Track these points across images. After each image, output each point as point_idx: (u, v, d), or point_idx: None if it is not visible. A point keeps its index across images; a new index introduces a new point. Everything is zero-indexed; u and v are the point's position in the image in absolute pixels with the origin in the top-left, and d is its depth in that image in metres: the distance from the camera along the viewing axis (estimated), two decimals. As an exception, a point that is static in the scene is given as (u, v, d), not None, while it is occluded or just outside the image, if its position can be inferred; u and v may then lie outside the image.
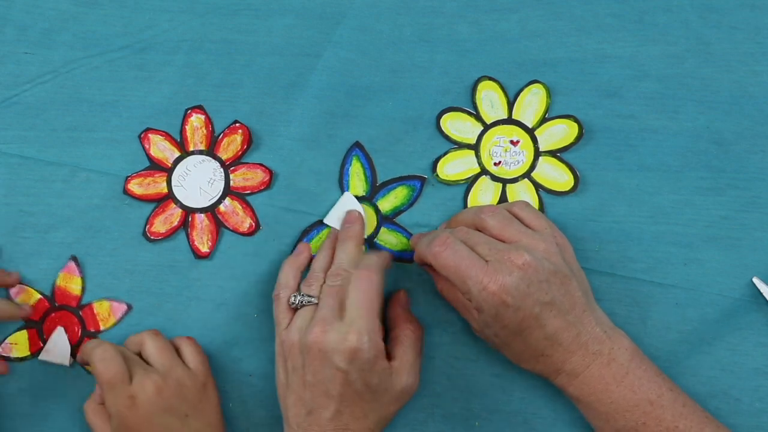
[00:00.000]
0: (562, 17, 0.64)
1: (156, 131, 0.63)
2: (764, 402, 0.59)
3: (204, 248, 0.62)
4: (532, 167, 0.62)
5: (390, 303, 0.60)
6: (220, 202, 0.63)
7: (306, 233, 0.62)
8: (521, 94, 0.63)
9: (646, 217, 0.61)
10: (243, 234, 0.63)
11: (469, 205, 0.62)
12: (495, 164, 0.63)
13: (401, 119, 0.63)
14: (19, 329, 0.62)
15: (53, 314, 0.62)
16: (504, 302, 0.52)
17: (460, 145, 0.63)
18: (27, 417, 0.61)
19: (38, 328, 0.62)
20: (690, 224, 0.61)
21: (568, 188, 0.62)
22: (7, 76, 0.64)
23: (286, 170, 0.63)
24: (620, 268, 0.61)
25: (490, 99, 0.63)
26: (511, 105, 0.63)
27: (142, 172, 0.63)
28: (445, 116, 0.63)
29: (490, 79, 0.63)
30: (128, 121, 0.63)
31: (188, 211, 0.63)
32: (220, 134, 0.63)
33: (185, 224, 0.63)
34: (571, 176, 0.62)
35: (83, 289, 0.62)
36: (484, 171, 0.63)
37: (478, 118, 0.63)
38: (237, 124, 0.63)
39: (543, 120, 0.62)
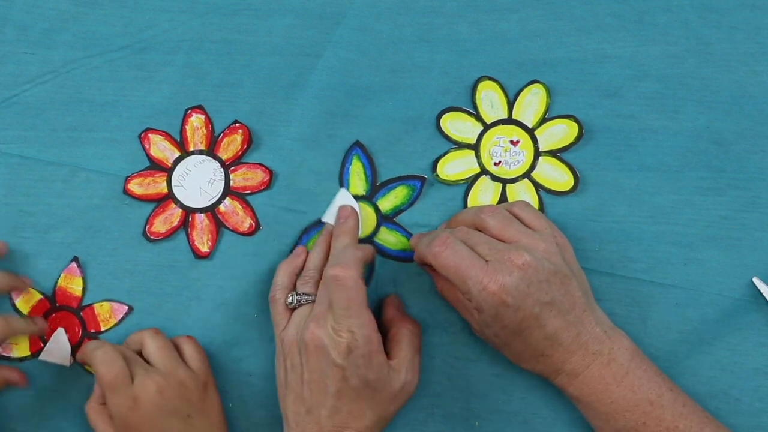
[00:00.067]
0: (562, 17, 0.64)
1: (156, 131, 0.63)
2: (764, 402, 0.59)
3: (204, 248, 0.62)
4: (532, 167, 0.62)
5: (383, 307, 0.60)
6: (220, 202, 0.63)
7: (305, 232, 0.62)
8: (521, 94, 0.63)
9: (646, 217, 0.61)
10: (243, 234, 0.63)
11: (469, 205, 0.62)
12: (495, 164, 0.63)
13: (401, 119, 0.63)
14: (19, 329, 0.62)
15: (54, 315, 0.62)
16: (504, 302, 0.52)
17: (460, 145, 0.63)
18: (27, 416, 0.61)
19: (38, 328, 0.62)
20: (690, 224, 0.61)
21: (568, 188, 0.62)
22: (7, 76, 0.64)
23: (286, 170, 0.63)
24: (620, 268, 0.61)
25: (490, 99, 0.63)
26: (511, 105, 0.63)
27: (142, 172, 0.63)
28: (445, 116, 0.63)
29: (490, 79, 0.63)
30: (128, 121, 0.63)
31: (188, 211, 0.63)
32: (220, 134, 0.63)
33: (185, 224, 0.63)
34: (571, 176, 0.62)
35: (84, 290, 0.62)
36: (484, 171, 0.63)
37: (478, 118, 0.63)
38: (237, 124, 0.63)
39: (543, 120, 0.63)
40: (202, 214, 0.63)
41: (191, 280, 0.62)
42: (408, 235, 0.62)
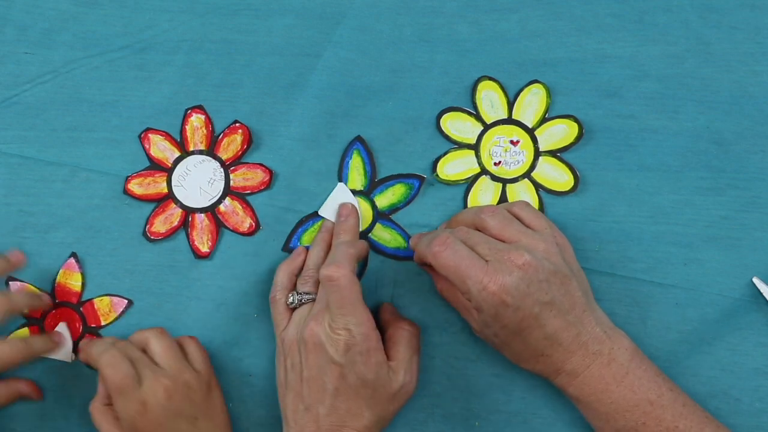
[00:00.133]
0: (562, 17, 0.64)
1: (156, 131, 0.63)
2: (764, 402, 0.59)
3: (204, 248, 0.62)
4: (532, 167, 0.62)
5: (379, 312, 0.60)
6: (220, 202, 0.63)
7: (301, 224, 0.62)
8: (521, 94, 0.63)
9: (646, 217, 0.61)
10: (243, 234, 0.63)
11: (469, 205, 0.62)
12: (495, 164, 0.63)
13: (401, 119, 0.63)
14: (20, 326, 0.62)
15: (54, 311, 0.62)
16: (504, 302, 0.52)
17: (460, 145, 0.63)
18: (27, 416, 0.61)
19: (39, 324, 0.62)
20: (690, 224, 0.61)
21: (568, 188, 0.62)
22: (7, 76, 0.64)
23: (286, 170, 0.63)
24: (620, 268, 0.61)
25: (490, 99, 0.63)
26: (511, 105, 0.63)
27: (142, 172, 0.63)
28: (445, 116, 0.63)
29: (490, 79, 0.63)
30: (128, 121, 0.63)
31: (188, 211, 0.63)
32: (220, 134, 0.63)
33: (185, 224, 0.63)
34: (571, 176, 0.62)
35: (83, 285, 0.62)
36: (484, 171, 0.63)
37: (478, 118, 0.63)
38: (237, 124, 0.63)
39: (543, 120, 0.63)
40: (202, 214, 0.63)
41: (191, 280, 0.62)
42: (403, 233, 0.62)
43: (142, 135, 0.63)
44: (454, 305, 0.58)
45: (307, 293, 0.58)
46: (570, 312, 0.54)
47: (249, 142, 0.63)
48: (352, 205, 0.61)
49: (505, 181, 0.62)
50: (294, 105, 0.64)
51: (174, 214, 0.63)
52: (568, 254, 0.57)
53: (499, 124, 0.63)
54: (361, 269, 0.61)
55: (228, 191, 0.63)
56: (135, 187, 0.63)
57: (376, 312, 0.60)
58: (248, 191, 0.63)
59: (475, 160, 0.63)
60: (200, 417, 0.56)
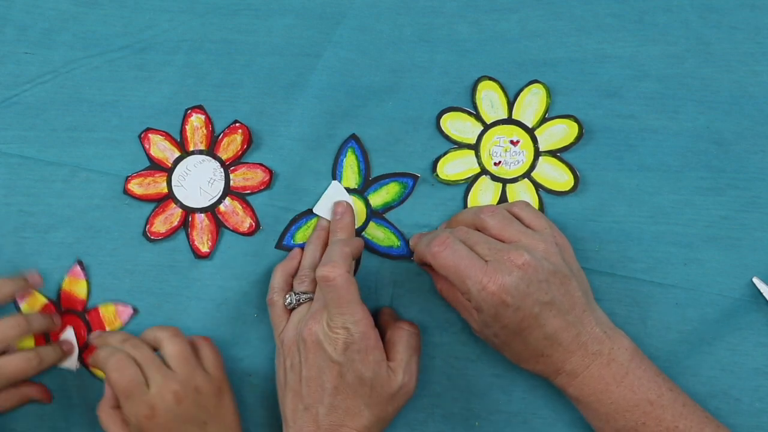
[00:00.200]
0: (562, 17, 0.64)
1: (156, 131, 0.63)
2: (764, 402, 0.59)
3: (204, 248, 0.62)
4: (532, 167, 0.62)
5: (379, 316, 0.60)
6: (220, 202, 0.63)
7: (294, 222, 0.62)
8: (521, 94, 0.63)
9: (646, 217, 0.61)
10: (243, 234, 0.63)
11: (469, 205, 0.62)
12: (495, 164, 0.63)
13: (401, 119, 0.63)
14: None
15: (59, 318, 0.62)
16: (503, 302, 0.52)
17: (460, 145, 0.63)
18: (27, 417, 0.61)
19: (45, 334, 0.61)
20: (690, 224, 0.61)
21: (568, 188, 0.62)
22: (7, 76, 0.64)
23: (286, 170, 0.63)
24: (620, 268, 0.61)
25: (490, 99, 0.63)
26: (511, 105, 0.63)
27: (142, 172, 0.63)
28: (445, 116, 0.63)
29: (490, 79, 0.63)
30: (128, 121, 0.63)
31: (188, 211, 0.63)
32: (220, 134, 0.63)
33: (185, 224, 0.63)
34: (571, 176, 0.62)
35: (89, 293, 0.62)
36: (484, 171, 0.63)
37: (478, 118, 0.63)
38: (237, 124, 0.63)
39: (543, 120, 0.63)
40: (202, 214, 0.63)
41: (191, 280, 0.62)
42: (396, 231, 0.62)
43: (142, 135, 0.63)
44: (453, 305, 0.59)
45: (304, 293, 0.58)
46: (570, 312, 0.54)
47: (249, 142, 0.63)
48: (347, 203, 0.61)
49: (505, 181, 0.62)
50: (294, 105, 0.64)
51: (174, 214, 0.63)
52: (568, 254, 0.57)
53: (499, 124, 0.63)
54: (355, 267, 0.61)
55: (228, 191, 0.63)
56: (135, 187, 0.63)
57: (375, 316, 0.60)
58: (248, 191, 0.63)
59: (475, 160, 0.63)
60: (210, 422, 0.56)
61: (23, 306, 0.62)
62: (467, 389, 0.61)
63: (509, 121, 0.63)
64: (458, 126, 0.63)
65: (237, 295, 0.62)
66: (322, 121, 0.63)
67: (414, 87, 0.63)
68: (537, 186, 0.62)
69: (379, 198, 0.63)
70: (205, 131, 0.63)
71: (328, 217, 0.62)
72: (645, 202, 0.61)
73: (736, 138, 0.62)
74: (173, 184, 0.63)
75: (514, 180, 0.62)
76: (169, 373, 0.56)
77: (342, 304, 0.53)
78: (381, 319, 0.60)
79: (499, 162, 0.62)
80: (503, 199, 0.62)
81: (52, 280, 0.62)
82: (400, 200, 0.62)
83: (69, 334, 0.61)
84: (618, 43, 0.63)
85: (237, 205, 0.63)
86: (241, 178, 0.63)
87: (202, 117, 0.63)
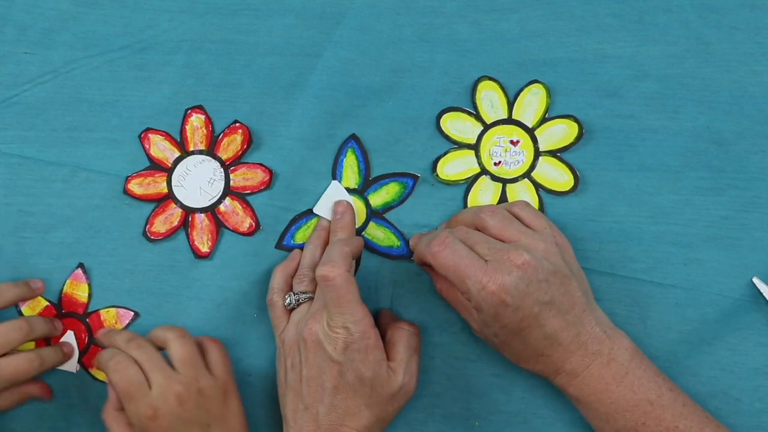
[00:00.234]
0: (562, 17, 0.64)
1: (156, 131, 0.63)
2: (764, 402, 0.59)
3: (204, 248, 0.62)
4: (532, 167, 0.62)
5: (379, 318, 0.60)
6: (220, 202, 0.63)
7: (294, 222, 0.62)
8: (521, 94, 0.63)
9: (646, 217, 0.61)
10: (243, 234, 0.63)
11: (469, 205, 0.62)
12: (495, 164, 0.63)
13: (401, 119, 0.63)
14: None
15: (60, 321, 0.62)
16: (503, 302, 0.52)
17: (460, 145, 0.63)
18: (27, 417, 0.61)
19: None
20: (690, 224, 0.61)
21: (568, 188, 0.62)
22: (7, 76, 0.64)
23: (286, 170, 0.63)
24: (620, 268, 0.61)
25: (490, 99, 0.63)
26: (511, 105, 0.63)
27: (142, 172, 0.63)
28: (445, 116, 0.63)
29: (490, 79, 0.63)
30: (128, 121, 0.63)
31: (188, 211, 0.63)
32: (220, 134, 0.63)
33: (185, 224, 0.63)
34: (571, 176, 0.62)
35: (90, 296, 0.62)
36: (484, 171, 0.63)
37: (478, 118, 0.63)
38: (237, 124, 0.63)
39: (543, 120, 0.62)
40: (202, 214, 0.63)
41: (191, 280, 0.62)
42: (396, 231, 0.62)
43: (142, 135, 0.63)
44: (453, 305, 0.58)
45: (303, 293, 0.58)
46: (569, 312, 0.54)
47: (249, 142, 0.63)
48: (348, 202, 0.61)
49: (505, 181, 0.62)
50: (294, 105, 0.64)
51: (174, 214, 0.63)
52: (568, 254, 0.57)
53: (499, 124, 0.63)
54: (355, 266, 0.61)
55: (228, 191, 0.63)
56: (135, 187, 0.63)
57: (375, 317, 0.60)
58: (248, 191, 0.63)
59: (475, 160, 0.63)
60: (213, 424, 0.56)
61: (24, 309, 0.62)
62: (467, 389, 0.61)
63: (509, 121, 0.63)
64: (458, 126, 0.63)
65: (237, 295, 0.62)
66: (322, 121, 0.63)
67: (414, 87, 0.63)
68: (537, 186, 0.62)
69: (379, 198, 0.63)
70: (205, 131, 0.63)
71: (329, 217, 0.62)
72: (645, 202, 0.61)
73: (736, 138, 0.62)
74: (173, 184, 0.63)
75: (514, 180, 0.62)
76: (173, 375, 0.55)
77: (342, 304, 0.53)
78: (381, 321, 0.60)
79: (499, 162, 0.62)
80: (503, 199, 0.62)
81: (52, 280, 0.62)
82: (400, 200, 0.62)
83: (69, 338, 0.61)
84: (618, 43, 0.63)
85: (237, 205, 0.63)
86: (241, 178, 0.63)
87: (202, 117, 0.63)
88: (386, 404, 0.55)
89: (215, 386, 0.56)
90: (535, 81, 0.63)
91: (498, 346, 0.57)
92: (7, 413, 0.61)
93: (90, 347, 0.62)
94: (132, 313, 0.62)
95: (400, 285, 0.62)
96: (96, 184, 0.63)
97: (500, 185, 0.62)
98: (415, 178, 0.62)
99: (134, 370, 0.55)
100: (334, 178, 0.63)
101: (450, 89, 0.63)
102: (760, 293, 0.60)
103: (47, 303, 0.62)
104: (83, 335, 0.62)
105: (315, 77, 0.64)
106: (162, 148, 0.63)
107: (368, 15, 0.64)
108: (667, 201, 0.61)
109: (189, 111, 0.63)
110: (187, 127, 0.63)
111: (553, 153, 0.62)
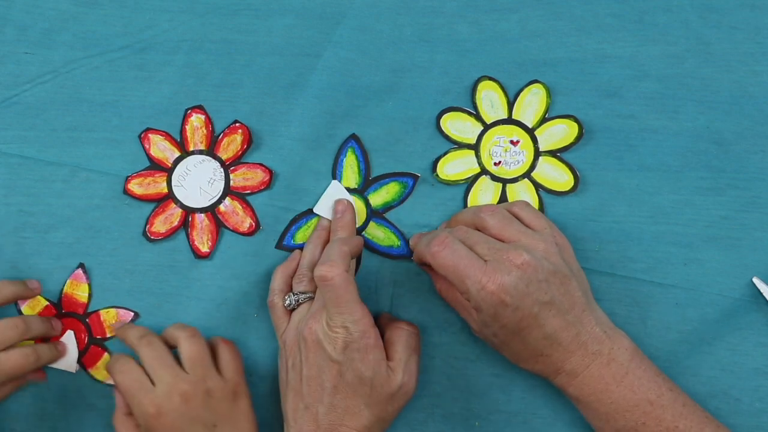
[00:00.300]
0: (562, 17, 0.64)
1: (156, 131, 0.63)
2: (764, 402, 0.59)
3: (204, 248, 0.62)
4: (532, 167, 0.62)
5: (379, 320, 0.60)
6: (220, 202, 0.63)
7: (294, 221, 0.62)
8: (521, 94, 0.63)
9: (646, 217, 0.61)
10: (243, 234, 0.63)
11: (469, 205, 0.62)
12: (495, 164, 0.63)
13: (401, 119, 0.63)
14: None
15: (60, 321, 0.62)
16: (503, 302, 0.52)
17: (460, 145, 0.63)
18: (27, 416, 0.61)
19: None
20: (690, 224, 0.61)
21: (568, 188, 0.62)
22: (7, 76, 0.64)
23: (286, 170, 0.63)
24: (620, 268, 0.61)
25: (490, 99, 0.63)
26: (511, 105, 0.63)
27: (142, 172, 0.63)
28: (445, 116, 0.63)
29: (490, 79, 0.63)
30: (128, 121, 0.63)
31: (188, 211, 0.63)
32: (220, 134, 0.63)
33: (185, 224, 0.63)
34: (571, 176, 0.62)
35: (90, 296, 0.62)
36: (484, 171, 0.63)
37: (478, 118, 0.63)
38: (237, 124, 0.63)
39: (543, 120, 0.62)
40: (202, 214, 0.63)
41: (191, 280, 0.62)
42: (396, 231, 0.62)
43: (142, 135, 0.63)
44: (453, 305, 0.59)
45: (303, 293, 0.58)
46: (569, 312, 0.54)
47: (249, 142, 0.63)
48: (348, 201, 0.61)
49: (505, 181, 0.62)
50: (294, 105, 0.64)
51: (174, 214, 0.63)
52: (568, 254, 0.57)
53: (499, 124, 0.63)
54: (356, 266, 0.61)
55: (228, 191, 0.63)
56: (135, 187, 0.63)
57: (375, 319, 0.60)
58: (248, 191, 0.63)
59: (475, 160, 0.63)
60: (220, 424, 0.56)
61: (24, 308, 0.62)
62: (467, 389, 0.61)
63: (509, 121, 0.63)
64: (458, 126, 0.63)
65: (237, 295, 0.62)
66: (322, 121, 0.63)
67: (414, 87, 0.63)
68: (537, 186, 0.62)
69: (379, 198, 0.63)
70: (205, 131, 0.63)
71: (329, 217, 0.62)
72: (645, 202, 0.61)
73: (736, 138, 0.62)
74: (173, 184, 0.63)
75: (514, 180, 0.62)
76: (180, 374, 0.56)
77: (341, 304, 0.53)
78: (380, 323, 0.60)
79: (499, 162, 0.62)
80: (503, 199, 0.62)
81: (52, 280, 0.62)
82: (400, 200, 0.63)
83: (69, 338, 0.61)
84: (618, 43, 0.63)
85: (237, 205, 0.63)
86: (241, 178, 0.63)
87: (202, 117, 0.63)
88: (386, 404, 0.55)
89: (224, 387, 0.56)
90: (535, 81, 0.63)
91: (497, 346, 0.57)
92: (7, 414, 0.61)
93: (90, 347, 0.62)
94: (132, 314, 0.62)
95: (400, 285, 0.62)
96: (96, 184, 0.63)
97: (500, 185, 0.62)
98: (415, 177, 0.62)
99: (137, 369, 0.56)
100: (334, 178, 0.63)
101: (450, 89, 0.63)
102: (760, 293, 0.60)
103: (47, 303, 0.62)
104: (83, 335, 0.62)
105: (315, 77, 0.64)
106: (162, 148, 0.63)
107: (368, 15, 0.64)
108: (667, 201, 0.61)
109: (189, 111, 0.63)
110: (187, 127, 0.63)
111: (553, 153, 0.62)
